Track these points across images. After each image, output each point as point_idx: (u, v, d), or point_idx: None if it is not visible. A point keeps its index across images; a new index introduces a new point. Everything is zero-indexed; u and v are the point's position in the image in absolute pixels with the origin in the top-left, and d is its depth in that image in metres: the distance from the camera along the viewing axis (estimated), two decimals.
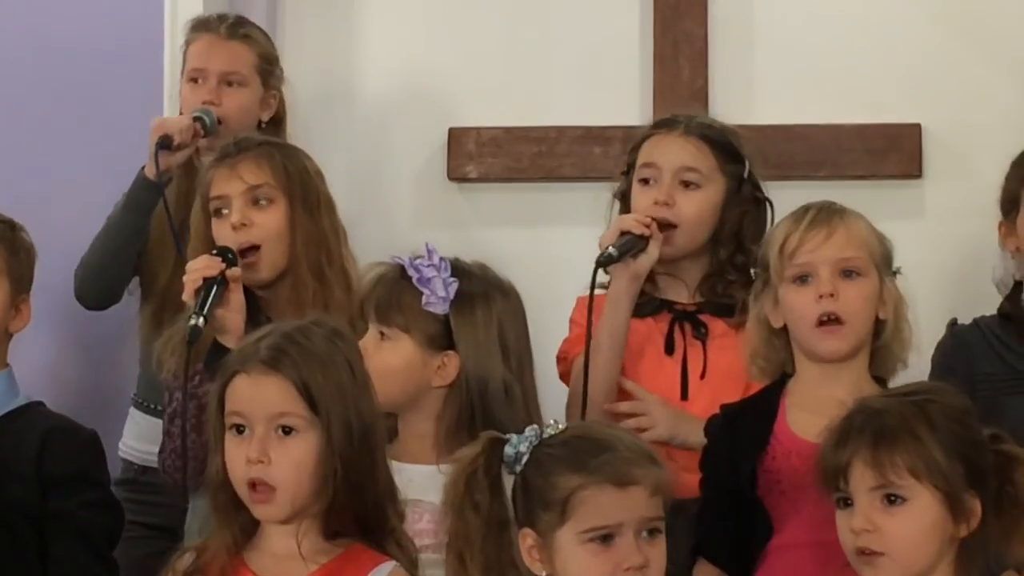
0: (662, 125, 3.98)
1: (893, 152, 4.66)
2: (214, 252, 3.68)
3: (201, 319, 3.53)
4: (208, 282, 3.59)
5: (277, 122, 4.37)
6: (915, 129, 4.63)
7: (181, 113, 4.33)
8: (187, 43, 4.39)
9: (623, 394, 3.80)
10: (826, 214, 3.53)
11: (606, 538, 2.84)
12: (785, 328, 3.53)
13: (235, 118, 4.26)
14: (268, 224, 3.75)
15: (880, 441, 3.00)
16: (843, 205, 3.56)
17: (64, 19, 4.73)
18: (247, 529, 3.02)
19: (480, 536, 2.97)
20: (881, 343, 3.51)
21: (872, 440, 3.00)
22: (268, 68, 4.37)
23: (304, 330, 3.04)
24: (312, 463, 2.95)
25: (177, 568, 3.03)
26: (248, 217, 3.72)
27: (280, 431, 2.94)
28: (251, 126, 4.28)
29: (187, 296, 3.62)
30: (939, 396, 3.10)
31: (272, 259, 3.74)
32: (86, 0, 4.74)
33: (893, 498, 2.99)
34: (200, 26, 4.38)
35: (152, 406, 4.25)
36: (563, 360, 3.89)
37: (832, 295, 3.41)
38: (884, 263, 3.51)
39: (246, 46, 4.34)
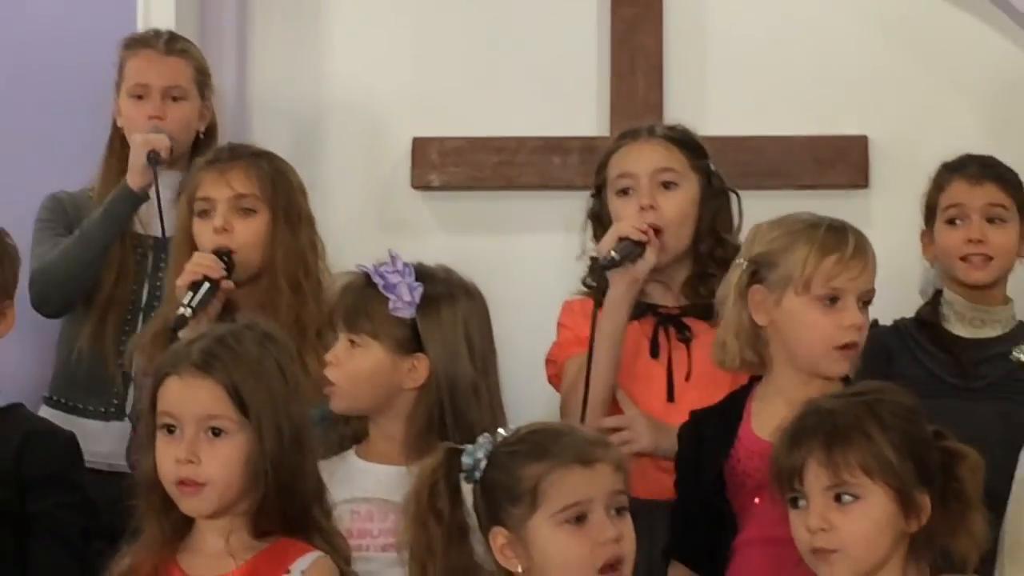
0: (627, 136, 4.01)
1: (841, 163, 4.71)
2: (223, 258, 3.74)
3: (189, 310, 3.57)
4: (204, 281, 3.66)
5: (212, 131, 4.43)
6: (862, 141, 4.69)
7: (117, 125, 4.38)
8: (123, 59, 4.41)
9: (613, 402, 3.84)
10: (859, 241, 3.55)
11: (580, 518, 2.86)
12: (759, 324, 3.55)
13: (179, 131, 4.31)
14: (247, 233, 3.79)
15: (833, 441, 3.01)
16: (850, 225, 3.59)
17: (36, 23, 4.71)
18: (179, 528, 3.03)
19: (442, 544, 2.98)
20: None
21: (825, 441, 3.01)
22: (204, 80, 4.42)
23: (236, 334, 3.06)
24: (241, 463, 2.97)
25: (113, 571, 3.04)
26: (230, 223, 3.77)
27: (210, 432, 2.96)
28: (191, 138, 4.35)
29: (182, 282, 3.67)
30: (888, 395, 3.12)
31: (245, 264, 3.78)
32: (60, 6, 4.71)
33: (847, 497, 3.00)
34: (138, 42, 4.42)
35: (71, 403, 4.32)
36: (553, 363, 3.93)
37: (862, 326, 3.47)
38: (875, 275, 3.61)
39: (184, 60, 4.39)
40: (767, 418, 3.40)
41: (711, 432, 3.54)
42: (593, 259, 3.95)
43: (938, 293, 4.09)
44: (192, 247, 3.86)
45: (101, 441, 4.16)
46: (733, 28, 4.81)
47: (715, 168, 4.00)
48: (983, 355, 4.03)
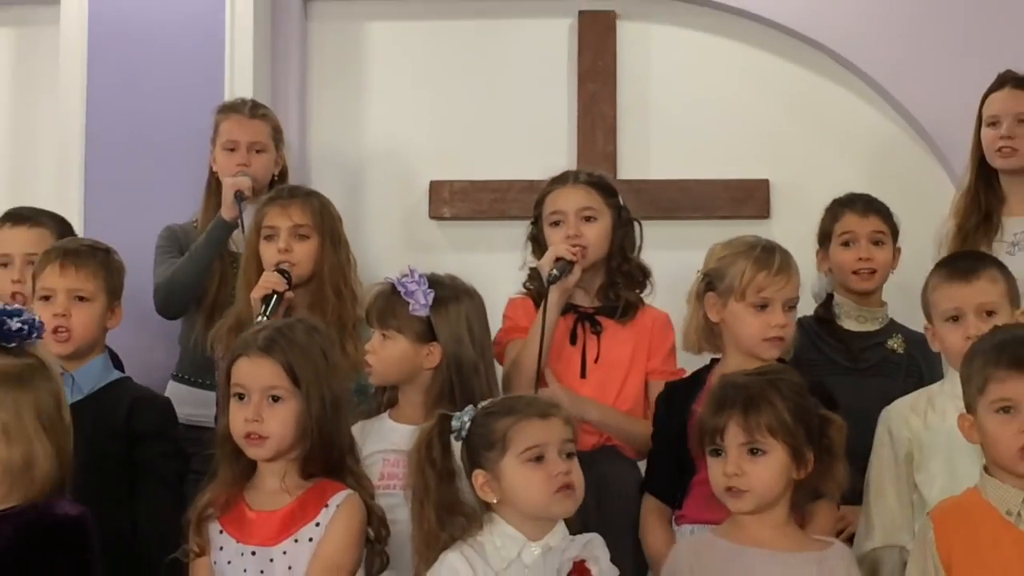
0: (557, 181, 4.19)
1: (749, 200, 5.14)
2: (285, 275, 3.96)
3: (264, 318, 3.81)
4: (273, 293, 3.92)
5: (283, 174, 4.68)
6: (765, 183, 5.15)
7: (213, 171, 4.61)
8: (218, 121, 4.65)
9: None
10: (784, 258, 3.72)
11: (538, 458, 3.05)
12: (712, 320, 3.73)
13: (261, 174, 4.58)
14: (303, 253, 4.05)
15: (748, 409, 3.22)
16: (779, 245, 3.76)
17: (151, 96, 5.01)
18: (245, 472, 3.20)
19: (435, 485, 3.12)
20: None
21: (743, 408, 3.22)
22: (278, 137, 4.68)
23: (290, 325, 3.26)
24: (293, 422, 3.14)
25: (197, 503, 3.23)
26: (291, 245, 4.04)
27: (270, 399, 3.15)
28: (268, 180, 4.60)
29: (256, 295, 3.94)
30: (785, 375, 3.34)
31: (299, 277, 4.01)
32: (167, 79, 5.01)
33: (756, 451, 3.21)
34: (229, 108, 4.68)
35: (193, 379, 4.53)
36: (498, 344, 4.04)
37: (786, 325, 3.67)
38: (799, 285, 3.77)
39: (264, 122, 4.65)
40: None
41: (679, 399, 3.72)
42: (532, 269, 4.15)
43: (830, 296, 4.33)
44: (258, 262, 4.06)
45: (211, 406, 4.08)
46: (670, 100, 5.23)
47: (624, 203, 4.16)
48: (866, 344, 4.26)
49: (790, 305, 3.70)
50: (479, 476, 3.07)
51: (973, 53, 4.96)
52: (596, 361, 4.08)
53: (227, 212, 4.44)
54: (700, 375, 3.78)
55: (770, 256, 3.70)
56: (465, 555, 3.04)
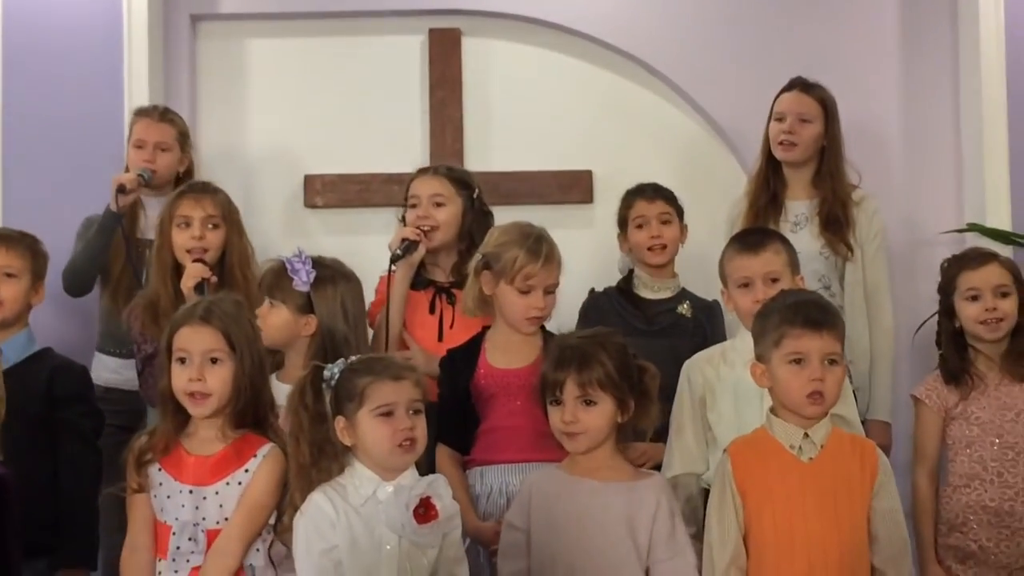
0: (421, 171, 4.33)
1: (575, 187, 5.20)
2: (209, 270, 3.94)
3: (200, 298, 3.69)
4: (203, 280, 3.91)
5: (189, 173, 4.67)
6: (588, 173, 5.21)
7: (127, 168, 4.55)
8: (132, 123, 4.66)
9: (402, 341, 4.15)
10: (549, 249, 3.74)
11: (388, 414, 3.08)
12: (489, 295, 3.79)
13: (165, 171, 4.60)
14: (214, 240, 4.08)
15: (583, 366, 3.31)
16: (548, 236, 3.77)
17: (73, 105, 4.92)
18: (181, 425, 3.28)
19: (308, 425, 3.13)
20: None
21: (578, 366, 3.32)
22: (184, 139, 4.68)
23: (222, 299, 3.36)
24: (230, 381, 3.23)
25: (134, 446, 3.27)
26: (204, 233, 4.05)
27: (210, 361, 3.24)
28: (174, 176, 4.60)
29: (189, 285, 3.92)
30: (610, 337, 3.42)
31: (210, 261, 4.03)
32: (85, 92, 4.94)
33: (589, 401, 3.32)
34: (142, 112, 4.69)
35: (111, 350, 4.48)
36: (370, 315, 4.05)
37: (544, 308, 3.74)
38: (560, 271, 3.84)
39: (170, 126, 4.66)
40: (497, 353, 3.76)
41: (460, 363, 3.82)
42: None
43: (631, 270, 4.43)
44: (171, 247, 4.06)
45: (123, 371, 4.33)
46: (508, 104, 5.26)
47: (479, 195, 4.25)
48: (660, 309, 4.34)
49: (549, 290, 3.77)
50: (340, 421, 3.13)
51: (762, 63, 5.07)
52: (451, 327, 4.14)
53: (113, 204, 4.45)
54: (476, 340, 3.85)
55: (539, 247, 3.75)
56: (328, 495, 3.10)
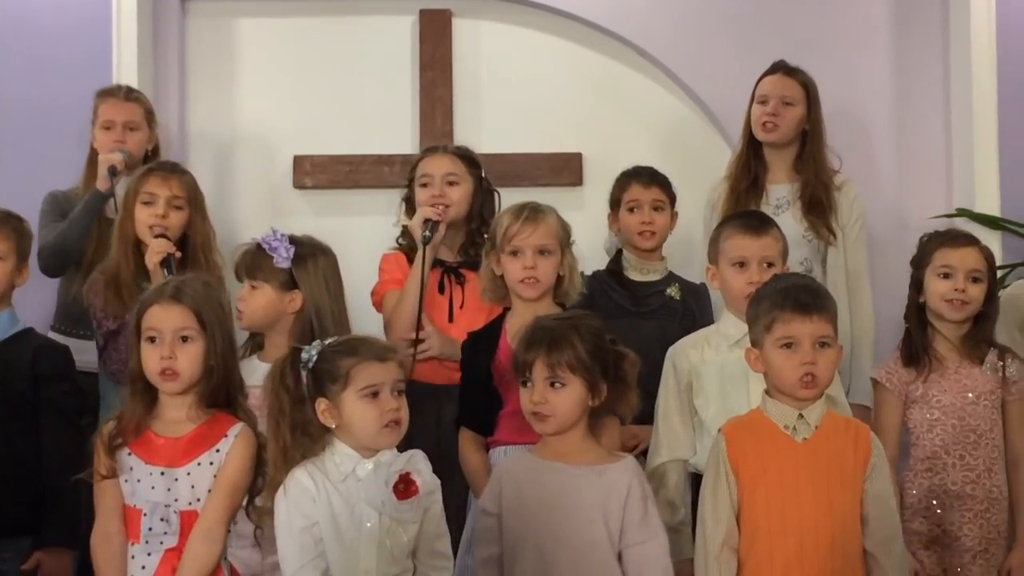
0: (429, 150, 4.36)
1: (565, 169, 5.22)
2: (174, 246, 3.94)
3: (168, 275, 3.79)
4: (168, 256, 3.92)
5: (156, 151, 4.67)
6: (578, 156, 5.22)
7: (93, 147, 4.56)
8: (97, 104, 4.63)
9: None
10: (533, 212, 3.79)
11: (374, 395, 3.09)
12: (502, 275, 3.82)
13: (136, 151, 4.57)
14: (176, 220, 4.08)
15: (552, 347, 3.33)
16: (544, 205, 3.82)
17: (52, 84, 4.93)
18: (150, 405, 3.22)
19: (288, 406, 3.13)
20: (562, 288, 3.82)
21: (547, 347, 3.34)
22: (150, 118, 4.67)
23: (191, 279, 3.32)
24: (200, 359, 3.18)
25: (104, 432, 3.20)
26: (168, 213, 4.06)
27: (181, 339, 3.19)
28: (142, 155, 4.58)
29: (155, 261, 3.92)
30: (584, 319, 3.45)
31: (175, 238, 4.02)
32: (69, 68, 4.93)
33: (557, 383, 3.33)
34: (106, 93, 4.67)
35: (69, 330, 4.43)
36: (377, 294, 4.22)
37: (534, 267, 3.74)
38: (566, 240, 3.84)
39: (137, 105, 4.64)
40: (515, 333, 3.60)
41: (482, 345, 3.83)
42: (404, 227, 4.25)
43: (619, 252, 4.44)
44: (133, 222, 4.03)
45: (87, 352, 4.19)
46: (498, 85, 5.26)
47: (485, 175, 4.32)
48: (648, 291, 4.33)
49: (539, 251, 3.75)
50: (322, 403, 3.12)
51: (753, 47, 5.05)
52: (461, 307, 4.17)
53: (102, 184, 4.46)
54: (496, 323, 3.87)
55: (521, 209, 3.79)
56: (309, 472, 3.10)
